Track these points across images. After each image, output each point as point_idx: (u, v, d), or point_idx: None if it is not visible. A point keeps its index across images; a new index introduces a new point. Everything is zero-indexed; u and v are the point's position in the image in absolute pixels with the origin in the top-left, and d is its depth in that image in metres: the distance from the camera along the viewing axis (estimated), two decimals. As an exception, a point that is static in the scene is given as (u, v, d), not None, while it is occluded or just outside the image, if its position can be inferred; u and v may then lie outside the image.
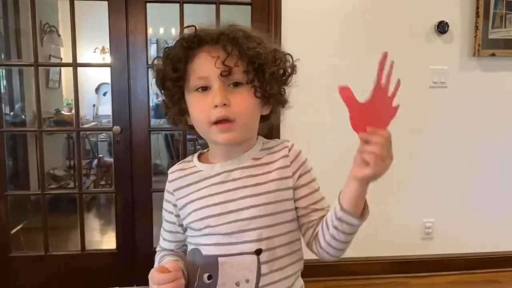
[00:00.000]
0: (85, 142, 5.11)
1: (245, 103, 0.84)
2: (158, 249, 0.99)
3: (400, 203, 2.61)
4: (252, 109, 0.86)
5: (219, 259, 0.85)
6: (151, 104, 2.52)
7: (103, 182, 4.71)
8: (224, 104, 0.81)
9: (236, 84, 0.83)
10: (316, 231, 0.88)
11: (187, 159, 0.97)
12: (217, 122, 0.83)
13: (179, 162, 0.98)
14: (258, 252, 0.84)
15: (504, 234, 2.73)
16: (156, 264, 0.93)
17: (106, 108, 5.59)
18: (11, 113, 3.98)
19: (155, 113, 3.40)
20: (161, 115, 4.20)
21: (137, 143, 2.47)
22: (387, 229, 2.59)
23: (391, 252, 2.64)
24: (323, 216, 0.87)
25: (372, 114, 0.72)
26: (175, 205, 0.93)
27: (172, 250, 0.96)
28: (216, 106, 0.81)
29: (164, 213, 0.96)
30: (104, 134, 5.38)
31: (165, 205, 0.96)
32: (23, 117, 4.03)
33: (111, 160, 3.65)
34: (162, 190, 0.97)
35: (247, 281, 0.84)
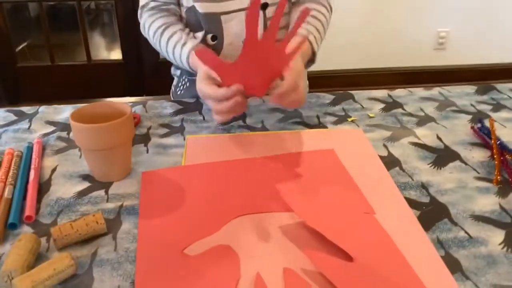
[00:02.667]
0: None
1: None
2: (142, 8, 0.86)
3: (414, 10, 2.46)
4: None
5: (222, 17, 0.79)
6: None
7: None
8: None
9: None
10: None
11: None
12: None
13: None
14: (264, 6, 0.78)
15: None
16: (155, 41, 0.83)
17: None
18: None
19: None
20: None
21: None
22: (397, 38, 2.50)
23: (399, 63, 2.58)
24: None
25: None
26: None
27: (160, 6, 0.85)
28: None
29: None
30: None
31: None
32: None
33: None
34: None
35: None
